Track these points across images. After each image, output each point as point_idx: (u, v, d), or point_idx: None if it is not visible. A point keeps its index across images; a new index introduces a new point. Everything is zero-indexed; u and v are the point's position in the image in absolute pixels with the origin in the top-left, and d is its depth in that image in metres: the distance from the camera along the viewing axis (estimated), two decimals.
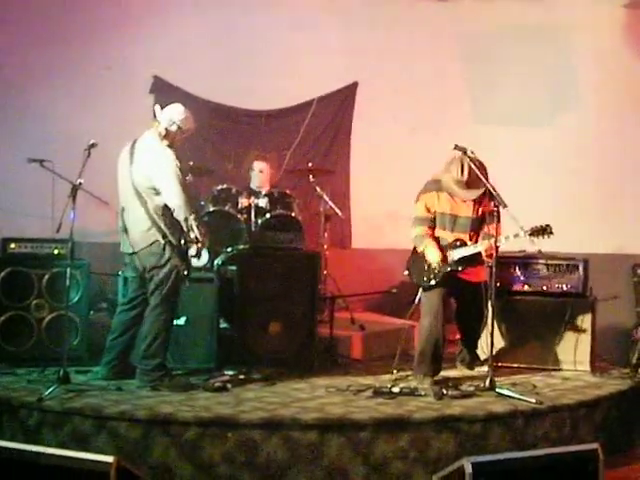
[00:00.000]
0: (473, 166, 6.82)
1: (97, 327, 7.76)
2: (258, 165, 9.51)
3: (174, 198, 6.60)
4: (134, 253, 6.80)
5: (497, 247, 6.81)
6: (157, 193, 6.66)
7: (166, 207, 6.66)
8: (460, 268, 7.10)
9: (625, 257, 10.05)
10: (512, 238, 6.84)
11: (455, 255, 7.09)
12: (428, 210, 7.23)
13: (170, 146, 6.78)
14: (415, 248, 7.29)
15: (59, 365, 6.59)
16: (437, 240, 7.21)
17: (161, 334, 6.77)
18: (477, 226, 7.19)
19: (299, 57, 10.36)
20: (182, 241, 6.69)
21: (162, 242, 6.66)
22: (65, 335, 6.90)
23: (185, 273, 6.75)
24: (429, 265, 7.14)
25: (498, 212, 6.82)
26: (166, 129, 6.79)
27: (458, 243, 7.12)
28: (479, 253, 7.00)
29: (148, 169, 6.67)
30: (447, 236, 7.20)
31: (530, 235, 6.75)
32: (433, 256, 7.11)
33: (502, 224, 6.93)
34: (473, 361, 7.69)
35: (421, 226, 7.23)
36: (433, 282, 7.14)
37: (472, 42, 10.66)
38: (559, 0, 10.56)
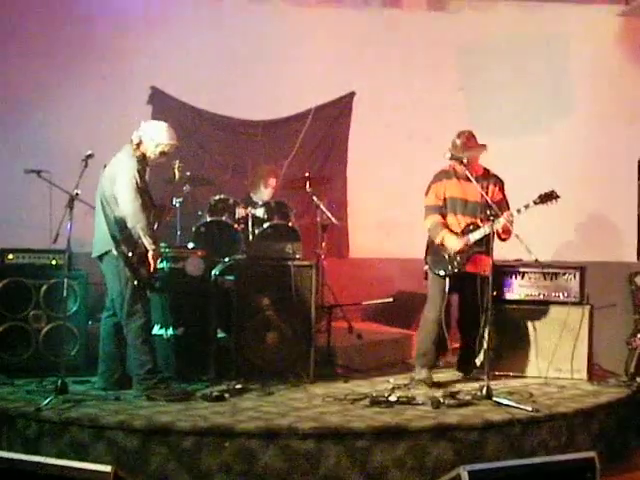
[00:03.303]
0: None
1: (95, 337, 7.74)
2: (273, 182, 9.52)
3: (125, 206, 6.68)
4: (98, 258, 6.89)
5: (511, 222, 7.06)
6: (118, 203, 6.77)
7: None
8: (477, 250, 7.28)
9: (622, 265, 10.06)
10: (524, 210, 7.05)
11: (472, 238, 7.28)
12: (438, 198, 7.46)
13: (142, 158, 6.87)
14: (430, 242, 7.48)
15: (57, 375, 6.59)
16: (449, 228, 7.40)
17: (139, 341, 6.79)
18: (486, 212, 7.30)
19: (296, 67, 10.37)
20: (130, 253, 6.72)
21: (115, 252, 6.74)
22: (63, 345, 6.92)
23: (135, 283, 6.75)
24: (449, 254, 7.31)
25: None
26: (140, 139, 6.87)
27: (471, 227, 7.33)
28: (487, 242, 7.14)
29: (112, 178, 6.78)
30: (458, 220, 7.41)
31: (540, 202, 7.00)
32: (453, 243, 7.30)
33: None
34: (470, 371, 7.72)
35: (434, 214, 7.45)
36: (457, 269, 7.31)
37: (469, 51, 10.69)
38: (555, 9, 10.61)
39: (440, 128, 10.34)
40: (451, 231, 7.38)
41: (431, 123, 10.55)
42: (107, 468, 4.08)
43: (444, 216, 7.46)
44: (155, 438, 5.87)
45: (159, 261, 7.04)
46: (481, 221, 7.33)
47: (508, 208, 7.32)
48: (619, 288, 9.88)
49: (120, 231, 6.73)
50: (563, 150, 10.45)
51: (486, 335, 7.01)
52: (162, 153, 6.97)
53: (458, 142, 7.37)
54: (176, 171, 7.36)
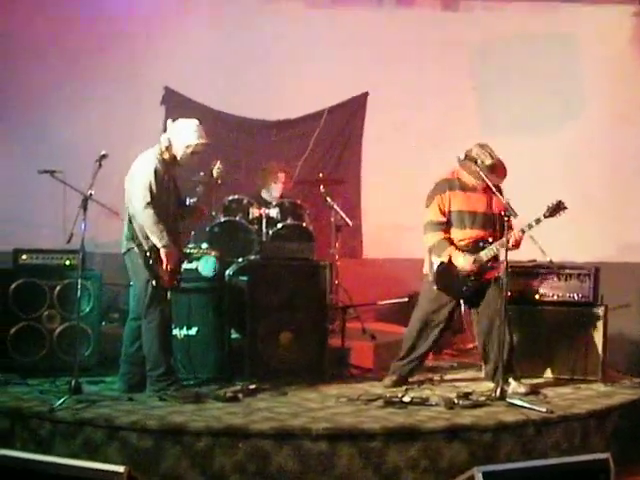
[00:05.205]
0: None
1: (109, 338, 7.77)
2: (282, 177, 9.46)
3: (134, 203, 6.66)
4: (124, 255, 6.87)
5: (523, 232, 6.92)
6: None
7: None
8: (489, 266, 7.09)
9: (636, 265, 10.03)
10: (534, 224, 6.86)
11: (484, 256, 7.04)
12: (442, 213, 7.15)
13: (173, 160, 6.82)
14: (440, 265, 7.16)
15: (71, 376, 6.59)
16: (453, 243, 7.14)
17: (156, 342, 6.76)
18: (494, 223, 7.16)
19: (310, 67, 10.37)
20: (148, 253, 6.69)
21: (137, 250, 6.72)
22: (77, 346, 6.92)
23: (154, 284, 6.71)
24: (458, 273, 7.08)
25: (509, 221, 6.83)
26: (169, 142, 6.82)
27: (481, 244, 7.08)
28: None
29: (131, 176, 6.79)
30: (465, 234, 7.11)
31: (549, 216, 6.82)
32: (463, 263, 7.04)
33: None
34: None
35: (437, 231, 7.12)
36: (470, 291, 7.17)
37: (481, 51, 10.67)
38: (568, 9, 10.58)
39: (453, 128, 10.40)
40: (457, 248, 7.09)
41: (444, 123, 10.53)
42: (120, 469, 4.08)
43: (447, 232, 7.15)
44: (169, 438, 5.87)
45: (182, 262, 7.03)
46: (490, 236, 7.10)
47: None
48: (633, 288, 9.85)
49: (140, 229, 6.70)
50: (576, 150, 10.42)
51: (501, 336, 6.96)
52: (193, 153, 6.88)
53: (490, 163, 7.08)
54: (214, 172, 7.29)
